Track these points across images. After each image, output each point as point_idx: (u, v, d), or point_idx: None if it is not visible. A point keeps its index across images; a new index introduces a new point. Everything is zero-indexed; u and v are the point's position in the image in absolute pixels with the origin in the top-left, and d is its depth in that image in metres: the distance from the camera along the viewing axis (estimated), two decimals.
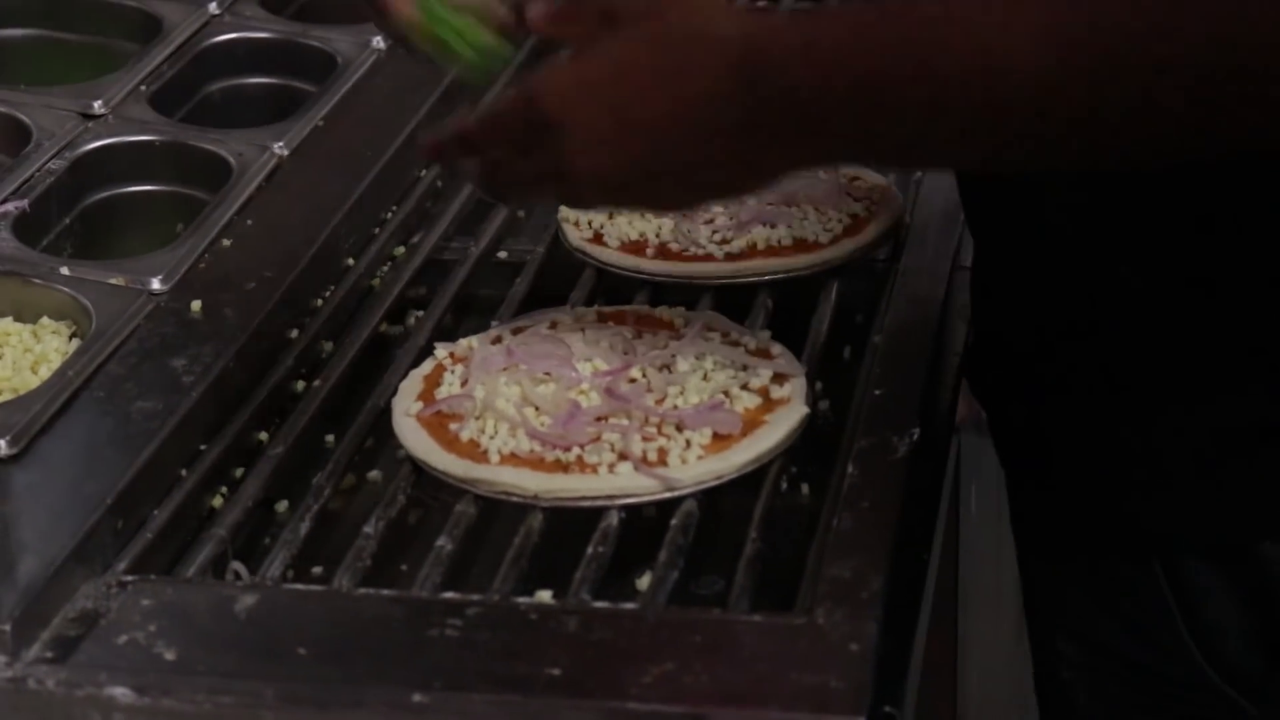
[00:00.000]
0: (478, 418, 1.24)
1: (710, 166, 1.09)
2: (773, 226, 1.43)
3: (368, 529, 1.21)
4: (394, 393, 1.30)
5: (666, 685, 1.06)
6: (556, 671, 1.08)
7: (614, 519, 1.20)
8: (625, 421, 1.23)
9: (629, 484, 1.20)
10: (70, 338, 1.39)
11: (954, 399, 1.35)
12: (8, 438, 1.24)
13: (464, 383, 1.28)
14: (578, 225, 1.48)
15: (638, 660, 1.08)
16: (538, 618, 1.12)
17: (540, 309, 1.38)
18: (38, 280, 1.41)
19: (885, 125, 1.04)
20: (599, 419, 1.23)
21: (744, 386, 1.26)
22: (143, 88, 1.67)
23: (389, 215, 1.56)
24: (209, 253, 1.44)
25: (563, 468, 1.21)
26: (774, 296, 1.40)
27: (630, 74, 1.09)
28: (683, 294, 1.41)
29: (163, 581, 1.18)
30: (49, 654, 1.11)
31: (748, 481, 1.22)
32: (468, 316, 1.50)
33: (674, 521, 1.20)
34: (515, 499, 1.21)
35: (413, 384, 1.30)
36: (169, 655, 1.10)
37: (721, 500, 1.22)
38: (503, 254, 1.53)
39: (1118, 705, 1.24)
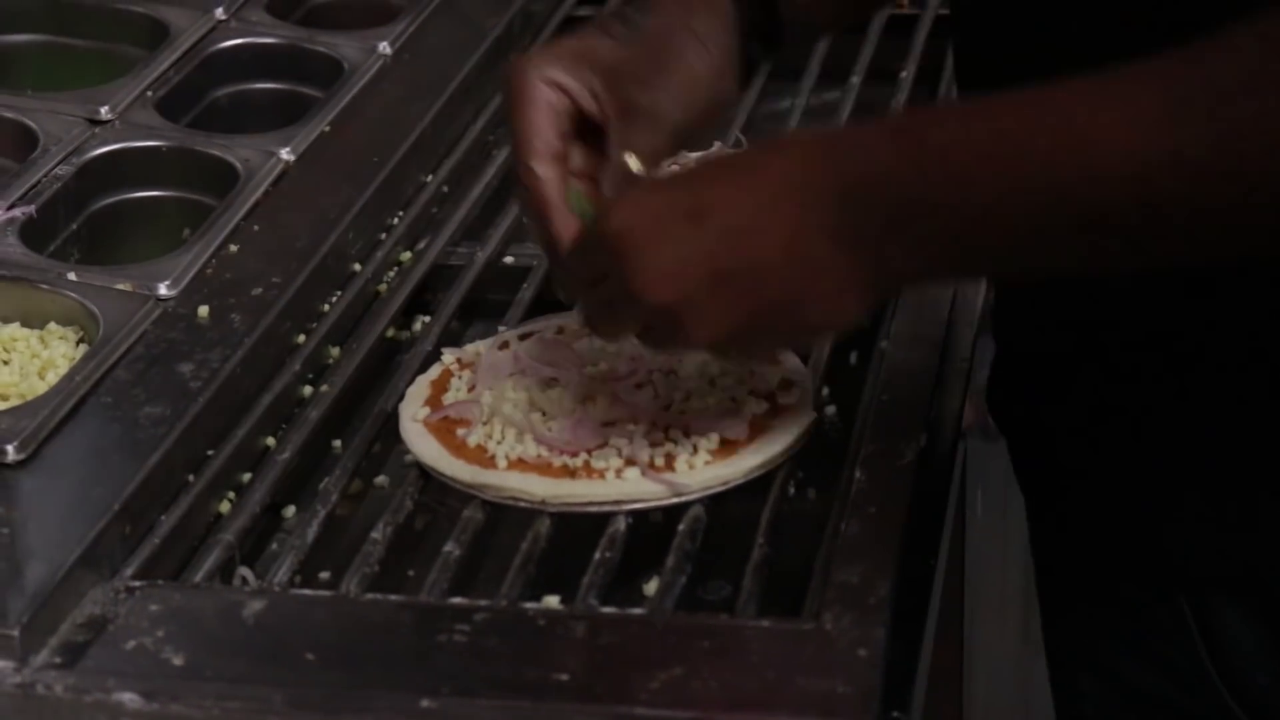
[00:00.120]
0: (485, 423, 1.25)
1: (812, 291, 1.07)
2: None
3: (375, 534, 1.21)
4: (401, 398, 1.30)
5: (674, 690, 1.06)
6: (564, 677, 1.08)
7: (621, 524, 1.20)
8: (632, 427, 1.23)
9: (636, 489, 1.21)
10: (77, 343, 1.39)
11: (961, 404, 1.35)
12: (15, 443, 1.24)
13: (471, 388, 1.28)
14: None
15: (646, 666, 1.08)
16: (545, 623, 1.12)
17: (547, 314, 1.38)
18: (45, 286, 1.41)
19: (985, 230, 1.02)
20: (606, 424, 1.23)
21: (751, 392, 1.26)
22: (149, 93, 1.67)
23: (395, 221, 1.56)
24: (216, 258, 1.44)
25: (570, 473, 1.21)
26: None
27: (721, 213, 1.08)
28: None
29: (170, 587, 1.18)
30: (57, 659, 1.11)
31: (755, 487, 1.22)
32: (474, 322, 1.50)
33: (681, 527, 1.20)
34: (523, 504, 1.22)
35: (420, 389, 1.30)
36: (177, 661, 1.10)
37: (729, 506, 1.22)
38: (509, 259, 1.53)
39: None
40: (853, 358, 1.39)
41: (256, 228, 1.49)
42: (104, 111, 1.63)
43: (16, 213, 1.49)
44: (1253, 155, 0.95)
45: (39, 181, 1.54)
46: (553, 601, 1.14)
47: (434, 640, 1.11)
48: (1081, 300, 1.16)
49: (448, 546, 1.19)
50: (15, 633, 1.10)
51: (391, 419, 1.30)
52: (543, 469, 1.22)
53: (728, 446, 1.22)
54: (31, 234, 1.48)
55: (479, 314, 1.50)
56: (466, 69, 1.74)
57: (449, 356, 1.33)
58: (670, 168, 1.52)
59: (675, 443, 1.22)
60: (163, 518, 1.23)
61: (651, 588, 1.16)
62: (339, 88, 1.69)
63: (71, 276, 1.42)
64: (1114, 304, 1.14)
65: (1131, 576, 1.19)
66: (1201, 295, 1.11)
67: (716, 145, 1.57)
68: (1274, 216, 0.96)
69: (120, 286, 1.40)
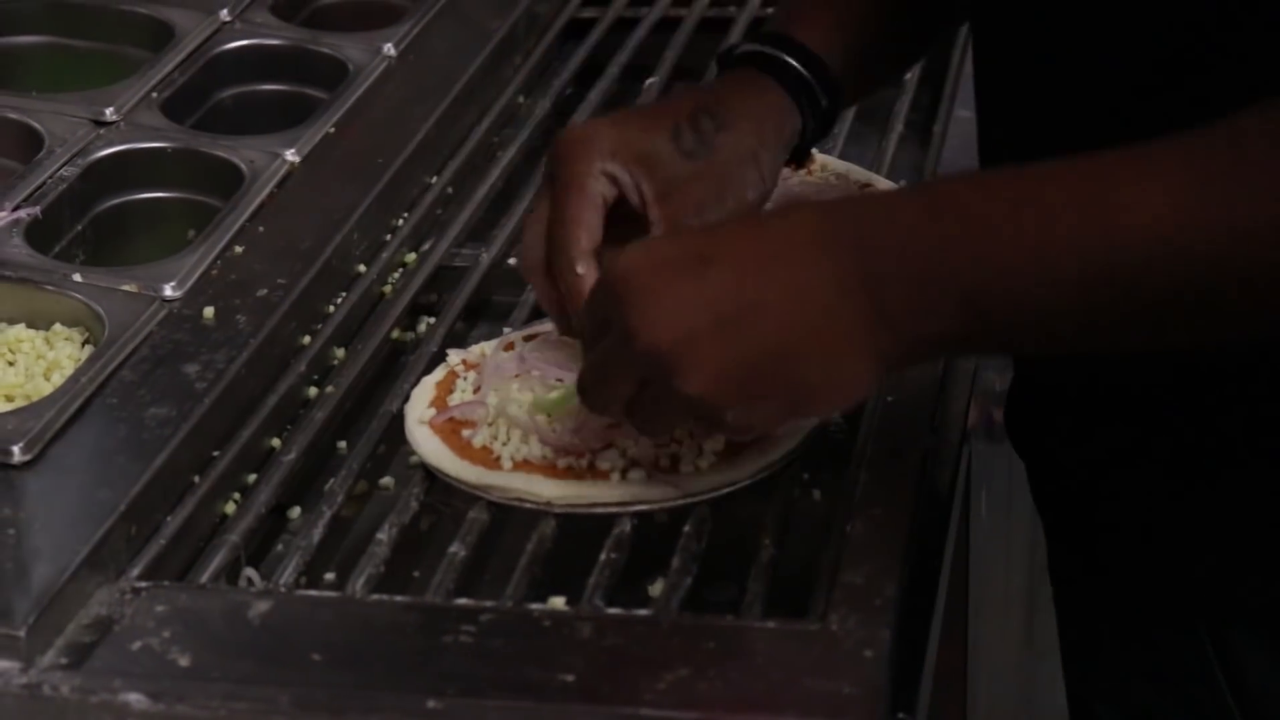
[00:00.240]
0: (490, 424, 1.25)
1: (815, 345, 1.03)
2: None
3: (380, 535, 1.21)
4: (406, 399, 1.31)
5: (680, 691, 1.06)
6: (570, 678, 1.08)
7: (627, 525, 1.20)
8: None
9: (641, 491, 1.21)
10: (83, 344, 1.39)
11: (966, 405, 1.35)
12: (21, 444, 1.24)
13: (476, 389, 1.28)
14: None
15: (651, 666, 1.08)
16: (551, 624, 1.12)
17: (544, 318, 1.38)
18: (50, 287, 1.42)
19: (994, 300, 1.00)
20: (611, 426, 1.23)
21: None
22: (154, 94, 1.67)
23: (400, 222, 1.56)
24: (221, 259, 1.45)
25: (575, 474, 1.21)
26: None
27: (728, 260, 1.05)
28: None
29: (176, 588, 1.18)
30: (63, 660, 1.11)
31: (760, 488, 1.22)
32: (479, 323, 1.50)
33: (687, 528, 1.20)
34: (528, 505, 1.22)
35: (425, 391, 1.30)
36: (183, 661, 1.10)
37: (734, 507, 1.22)
38: (514, 261, 1.53)
39: None
40: None
41: (261, 229, 1.49)
42: (109, 113, 1.63)
43: (22, 214, 1.49)
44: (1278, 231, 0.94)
45: (44, 183, 1.54)
46: (558, 602, 1.14)
47: (440, 641, 1.11)
48: None
49: (453, 547, 1.20)
50: (21, 633, 1.10)
51: (397, 420, 1.31)
52: (548, 470, 1.22)
53: (733, 448, 1.22)
54: (37, 235, 1.48)
55: (484, 315, 1.50)
56: (471, 70, 1.74)
57: (454, 358, 1.33)
58: None
59: (680, 444, 1.22)
60: (168, 519, 1.23)
61: (657, 589, 1.16)
62: (344, 89, 1.69)
63: (77, 278, 1.42)
64: None
65: (1151, 607, 1.17)
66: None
67: None
68: None
69: (125, 288, 1.40)
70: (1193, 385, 1.12)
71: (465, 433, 1.25)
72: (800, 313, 1.03)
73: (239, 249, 1.46)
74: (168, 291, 1.40)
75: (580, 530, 1.21)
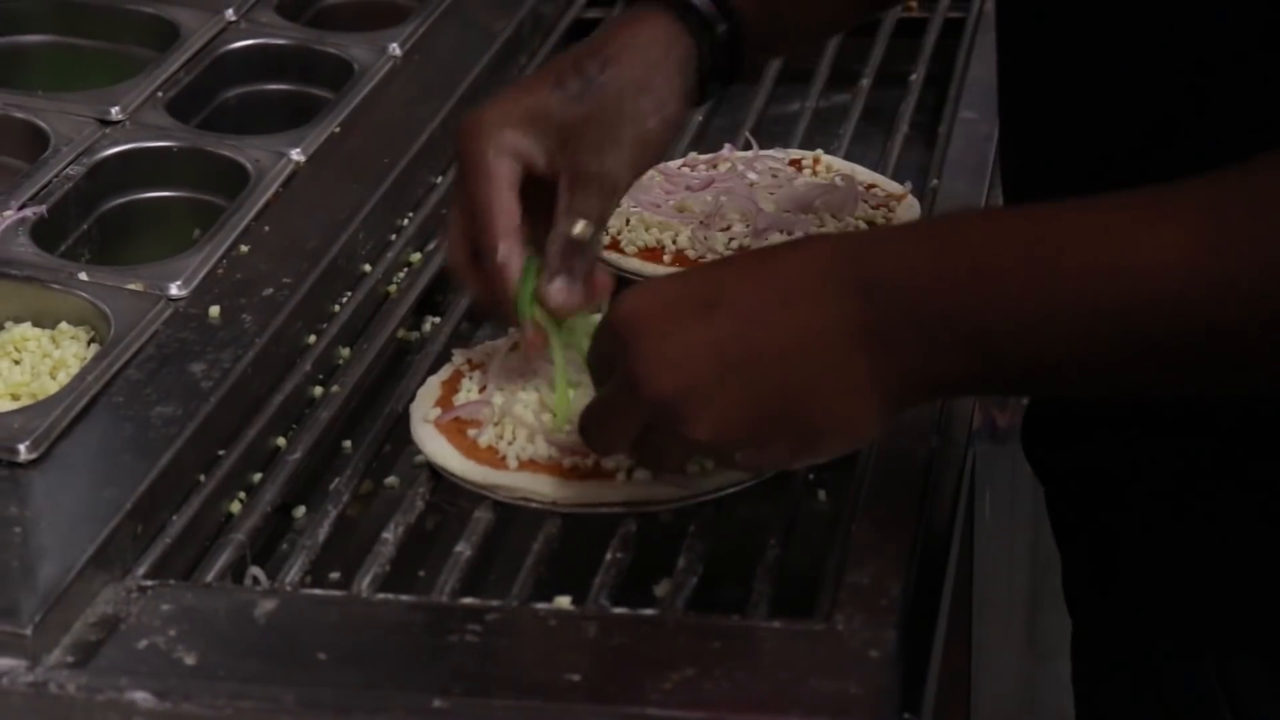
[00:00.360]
0: (496, 424, 1.25)
1: (821, 388, 1.03)
2: (790, 234, 1.44)
3: (386, 534, 1.21)
4: (412, 399, 1.31)
5: (686, 691, 1.06)
6: (576, 677, 1.08)
7: (632, 525, 1.20)
8: None
9: (647, 491, 1.21)
10: (89, 343, 1.39)
11: (971, 407, 1.35)
12: (27, 443, 1.24)
13: (482, 389, 1.28)
14: None
15: (657, 666, 1.08)
16: (557, 624, 1.12)
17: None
18: (56, 286, 1.42)
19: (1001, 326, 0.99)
20: None
21: None
22: (160, 94, 1.67)
23: (405, 221, 1.56)
24: (226, 259, 1.45)
25: (581, 474, 1.21)
26: None
27: (733, 303, 1.04)
28: None
29: (182, 586, 1.18)
30: (69, 659, 1.11)
31: (766, 488, 1.22)
32: (485, 323, 1.50)
33: (692, 528, 1.20)
34: (534, 505, 1.22)
35: (430, 390, 1.30)
36: (189, 660, 1.10)
37: (739, 507, 1.22)
38: None
39: None
40: None
41: (267, 228, 1.49)
42: (114, 112, 1.63)
43: (28, 213, 1.49)
44: None
45: (50, 182, 1.54)
46: (564, 602, 1.14)
47: (445, 640, 1.11)
48: None
49: (459, 547, 1.20)
50: (28, 632, 1.10)
51: (402, 420, 1.31)
52: (554, 470, 1.22)
53: None
54: (43, 234, 1.48)
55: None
56: (476, 70, 1.74)
57: (460, 357, 1.33)
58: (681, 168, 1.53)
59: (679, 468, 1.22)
60: (174, 517, 1.23)
61: (662, 589, 1.16)
62: (349, 89, 1.69)
63: (83, 276, 1.42)
64: None
65: (1160, 636, 1.16)
66: None
67: (727, 147, 1.58)
68: None
69: (131, 286, 1.40)
70: (1208, 415, 1.10)
71: (471, 432, 1.25)
72: (806, 359, 1.02)
73: (245, 248, 1.46)
74: (173, 290, 1.40)
75: (586, 530, 1.21)
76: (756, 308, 1.03)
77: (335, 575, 1.23)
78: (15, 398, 1.34)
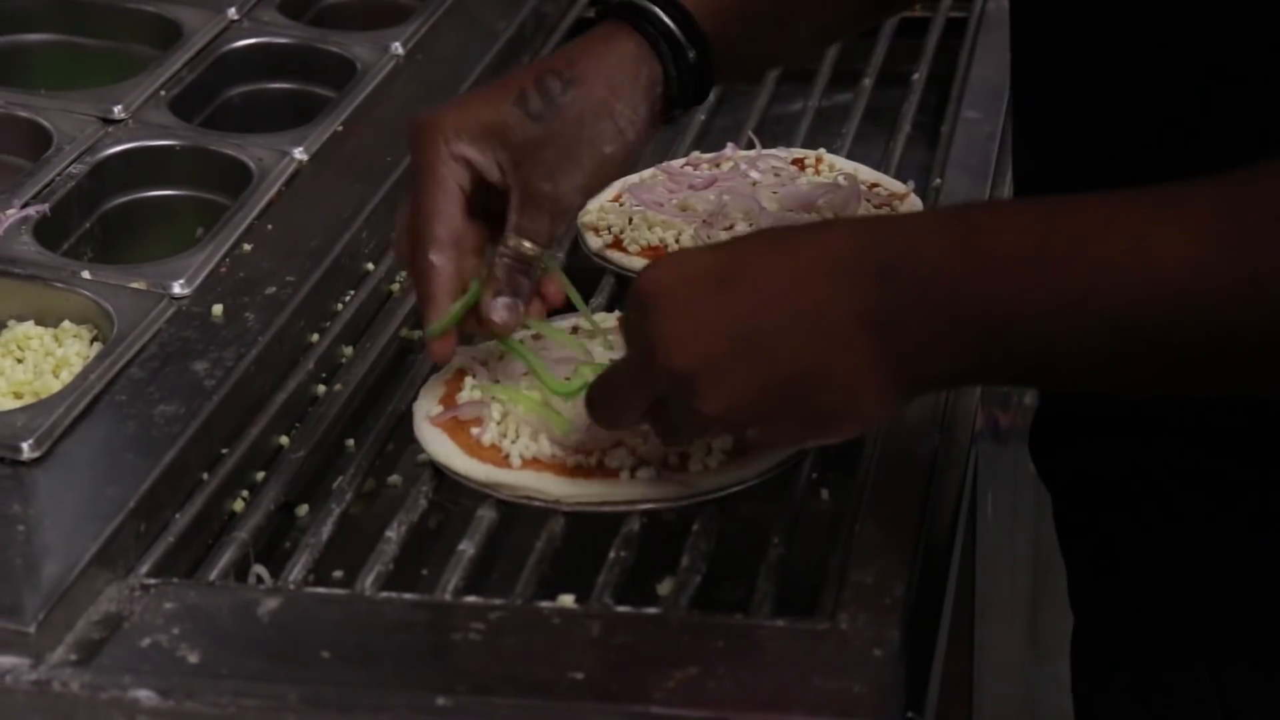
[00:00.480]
0: (499, 422, 1.25)
1: (833, 370, 1.03)
2: None
3: (389, 533, 1.21)
4: (415, 397, 1.31)
5: (689, 690, 1.06)
6: (579, 675, 1.08)
7: (636, 524, 1.20)
8: (646, 426, 1.23)
9: (651, 489, 1.21)
10: (91, 341, 1.39)
11: (974, 407, 1.35)
12: (30, 441, 1.24)
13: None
14: (598, 231, 1.48)
15: (661, 664, 1.08)
16: (560, 622, 1.12)
17: (560, 314, 1.38)
18: (59, 284, 1.42)
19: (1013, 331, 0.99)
20: None
21: None
22: (162, 92, 1.67)
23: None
24: (229, 257, 1.45)
25: (584, 473, 1.21)
26: None
27: (751, 280, 1.05)
28: None
29: (185, 585, 1.18)
30: (73, 657, 1.11)
31: (769, 487, 1.22)
32: None
33: (695, 526, 1.20)
34: (537, 503, 1.22)
35: (433, 389, 1.30)
36: (192, 658, 1.10)
37: (743, 505, 1.22)
38: None
39: None
40: None
41: (270, 227, 1.49)
42: (117, 111, 1.63)
43: (30, 211, 1.49)
44: None
45: (53, 180, 1.54)
46: (567, 600, 1.14)
47: (449, 638, 1.11)
48: None
49: (462, 545, 1.20)
50: (31, 630, 1.10)
51: (405, 418, 1.31)
52: (557, 468, 1.22)
53: (742, 447, 1.22)
54: (45, 232, 1.48)
55: None
56: (478, 69, 1.74)
57: (462, 356, 1.33)
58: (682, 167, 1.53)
59: (690, 443, 1.22)
60: (177, 516, 1.23)
61: (666, 587, 1.16)
62: (352, 87, 1.69)
63: (85, 275, 1.42)
64: None
65: (1158, 643, 1.17)
66: None
67: (730, 146, 1.58)
68: None
69: (134, 285, 1.41)
70: (1214, 422, 1.10)
71: (474, 431, 1.25)
72: (818, 340, 1.03)
73: (247, 247, 1.46)
74: (176, 289, 1.40)
75: (589, 528, 1.21)
76: (773, 286, 1.04)
77: (338, 574, 1.23)
78: (18, 396, 1.34)
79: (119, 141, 1.60)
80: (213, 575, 1.20)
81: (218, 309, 1.38)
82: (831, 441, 1.14)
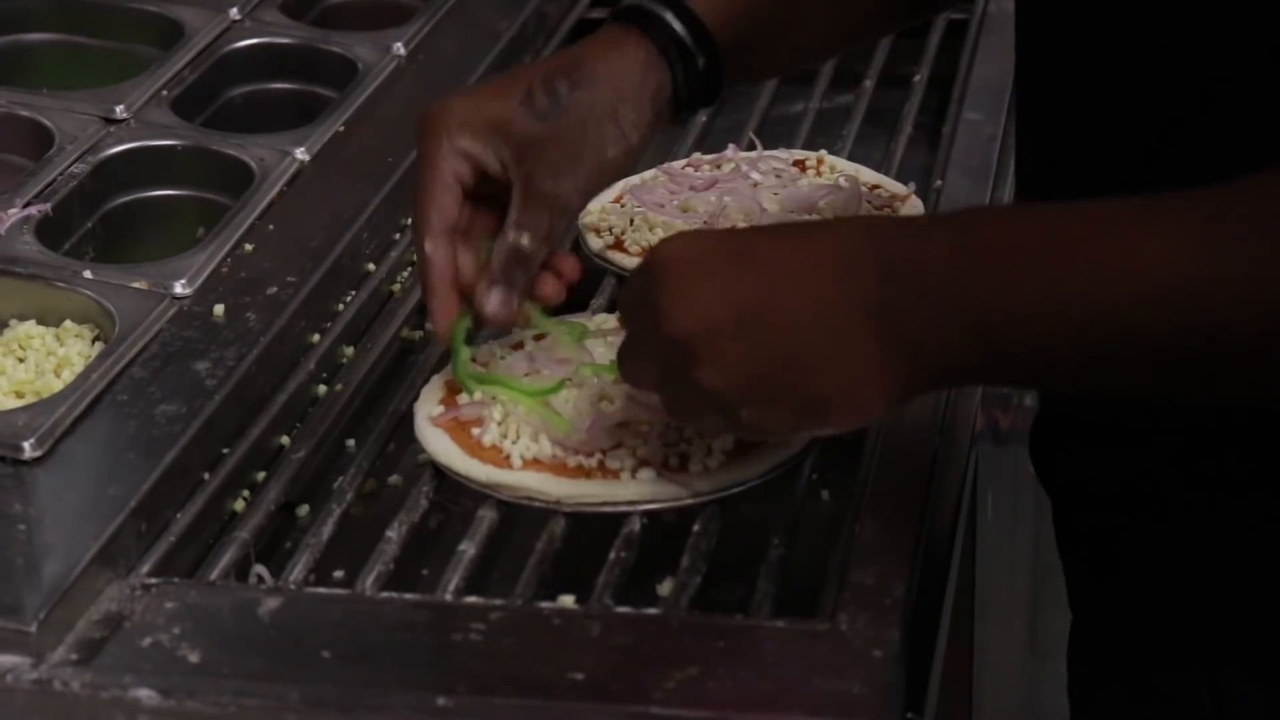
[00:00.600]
0: (500, 423, 1.25)
1: (833, 360, 1.04)
2: None
3: (390, 533, 1.21)
4: (415, 397, 1.31)
5: (690, 690, 1.06)
6: (580, 676, 1.08)
7: (636, 524, 1.21)
8: (647, 427, 1.23)
9: (651, 490, 1.21)
10: (93, 341, 1.39)
11: (974, 408, 1.35)
12: (31, 440, 1.24)
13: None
14: (599, 232, 1.49)
15: (661, 665, 1.08)
16: (560, 622, 1.12)
17: (561, 315, 1.38)
18: (60, 284, 1.42)
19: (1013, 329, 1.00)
20: (621, 425, 1.23)
21: None
22: (164, 92, 1.67)
23: (409, 221, 1.56)
24: (231, 257, 1.45)
25: (585, 473, 1.22)
26: None
27: (764, 262, 1.06)
28: None
29: (186, 584, 1.18)
30: (74, 656, 1.11)
31: (769, 488, 1.22)
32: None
33: (696, 527, 1.20)
34: (537, 504, 1.22)
35: (434, 389, 1.30)
36: (193, 658, 1.11)
37: (743, 506, 1.22)
38: None
39: None
40: None
41: (271, 227, 1.50)
42: (119, 110, 1.63)
43: (32, 211, 1.49)
44: None
45: (54, 180, 1.54)
46: (568, 601, 1.14)
47: (449, 639, 1.11)
48: None
49: (462, 545, 1.20)
50: (32, 629, 1.10)
51: (406, 418, 1.31)
52: (558, 469, 1.22)
53: (742, 448, 1.22)
54: (47, 232, 1.49)
55: None
56: (480, 70, 1.74)
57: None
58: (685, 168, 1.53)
59: (690, 443, 1.22)
60: (178, 515, 1.23)
61: (666, 588, 1.16)
62: (353, 88, 1.69)
63: (87, 274, 1.42)
64: None
65: (1155, 648, 1.17)
66: None
67: (731, 147, 1.58)
68: None
69: (136, 285, 1.41)
70: (1213, 427, 1.11)
71: (475, 431, 1.25)
72: (820, 326, 1.04)
73: (249, 247, 1.46)
74: (178, 289, 1.40)
75: (590, 529, 1.21)
76: (783, 270, 1.05)
77: (339, 574, 1.23)
78: (20, 395, 1.34)
79: (121, 141, 1.60)
80: (214, 575, 1.20)
81: (219, 309, 1.38)
82: (823, 434, 1.15)
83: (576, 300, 1.41)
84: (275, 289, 1.41)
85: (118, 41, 1.81)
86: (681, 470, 1.21)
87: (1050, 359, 1.00)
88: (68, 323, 1.40)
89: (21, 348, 1.38)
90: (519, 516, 1.24)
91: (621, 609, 1.13)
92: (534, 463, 1.22)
